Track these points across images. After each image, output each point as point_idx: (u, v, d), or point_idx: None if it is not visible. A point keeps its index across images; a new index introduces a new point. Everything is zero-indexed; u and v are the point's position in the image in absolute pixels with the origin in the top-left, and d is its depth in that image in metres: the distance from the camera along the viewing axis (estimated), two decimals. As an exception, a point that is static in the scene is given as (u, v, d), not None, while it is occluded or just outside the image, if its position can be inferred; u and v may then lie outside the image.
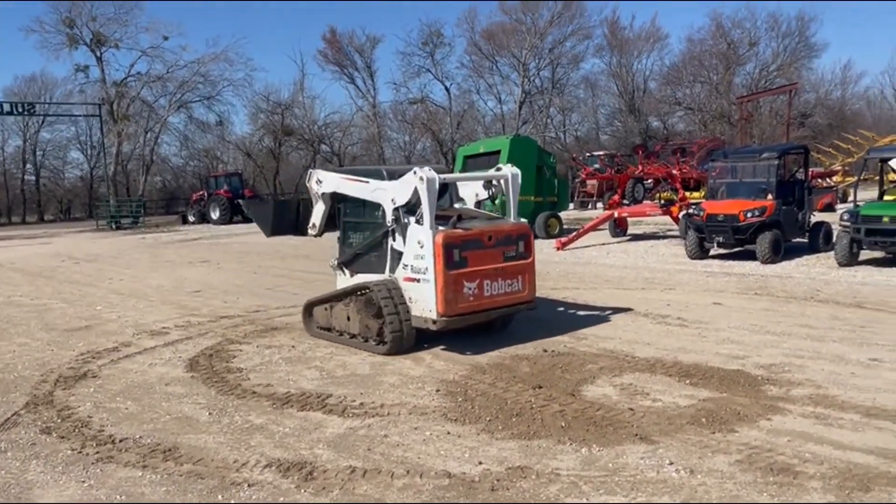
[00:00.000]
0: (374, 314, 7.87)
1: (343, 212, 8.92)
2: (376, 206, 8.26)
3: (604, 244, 19.26)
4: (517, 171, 8.49)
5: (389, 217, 7.97)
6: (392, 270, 8.04)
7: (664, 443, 5.20)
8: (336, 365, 7.68)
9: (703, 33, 55.67)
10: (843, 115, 53.97)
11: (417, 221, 7.65)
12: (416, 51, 55.87)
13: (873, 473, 4.54)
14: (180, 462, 5.21)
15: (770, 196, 14.60)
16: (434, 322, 7.49)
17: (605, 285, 12.17)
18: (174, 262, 19.45)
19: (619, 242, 19.66)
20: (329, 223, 9.32)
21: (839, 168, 33.17)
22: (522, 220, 8.54)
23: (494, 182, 8.58)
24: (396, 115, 58.39)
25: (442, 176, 7.79)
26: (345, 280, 8.81)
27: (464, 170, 20.72)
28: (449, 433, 5.56)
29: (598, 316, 9.73)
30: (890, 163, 15.70)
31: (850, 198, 16.41)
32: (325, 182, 8.98)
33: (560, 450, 5.17)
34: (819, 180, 28.30)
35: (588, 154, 40.25)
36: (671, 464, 4.82)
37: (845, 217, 13.38)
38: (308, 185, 9.19)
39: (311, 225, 9.45)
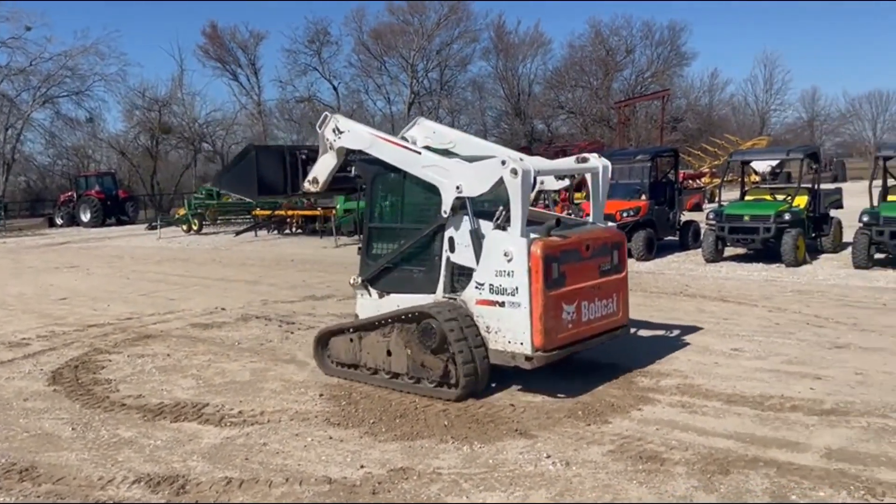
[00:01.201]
0: (433, 348, 6.10)
1: (370, 214, 7.10)
2: (422, 203, 6.60)
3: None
4: (607, 162, 7.05)
5: (447, 207, 6.22)
6: (449, 290, 6.36)
7: (542, 436, 5.33)
8: (214, 373, 7.39)
9: (583, 39, 57.82)
10: (710, 120, 57.52)
11: (500, 226, 6.04)
12: (302, 48, 54.85)
13: (732, 457, 4.84)
14: (38, 482, 4.84)
15: (644, 196, 15.35)
16: (528, 358, 5.84)
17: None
18: (38, 267, 18.14)
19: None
20: (332, 187, 7.66)
21: (707, 170, 35.35)
22: (610, 223, 7.31)
23: (542, 184, 7.09)
24: (283, 113, 57.10)
25: (538, 168, 6.22)
26: (372, 303, 6.91)
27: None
28: (331, 438, 5.47)
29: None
30: (751, 165, 16.87)
31: (716, 198, 17.50)
32: (346, 136, 7.07)
33: (442, 449, 5.19)
34: (689, 181, 30.05)
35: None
36: (548, 457, 4.95)
37: (711, 216, 14.27)
38: (321, 132, 7.25)
39: (310, 179, 7.56)
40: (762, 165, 23.52)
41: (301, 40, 55.34)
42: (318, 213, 23.99)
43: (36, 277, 15.98)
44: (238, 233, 25.15)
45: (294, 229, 25.14)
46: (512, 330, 5.92)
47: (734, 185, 22.30)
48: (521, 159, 6.05)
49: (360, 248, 7.23)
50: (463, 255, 6.24)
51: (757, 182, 21.83)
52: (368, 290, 6.98)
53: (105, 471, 4.99)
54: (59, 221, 36.60)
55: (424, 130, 7.62)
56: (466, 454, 5.08)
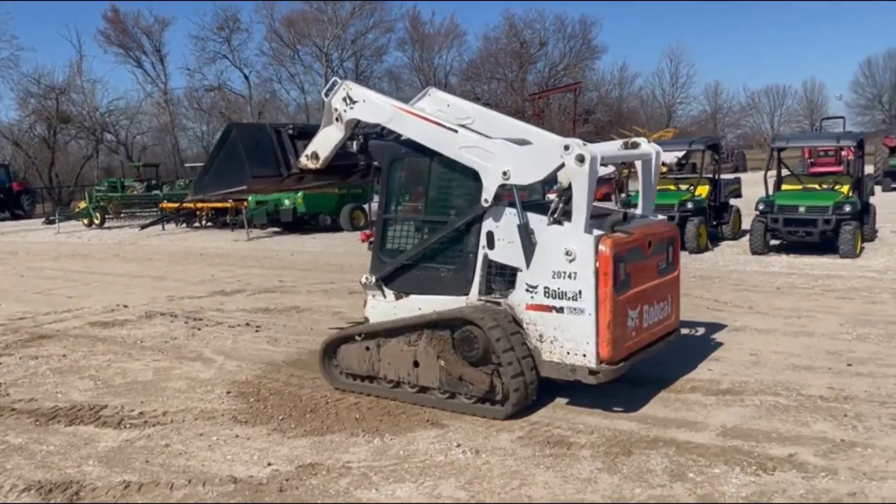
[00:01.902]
0: (474, 360, 5.40)
1: (386, 203, 6.16)
2: (453, 191, 5.85)
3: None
4: (660, 148, 6.41)
5: (490, 195, 5.44)
6: (485, 291, 5.65)
7: (453, 426, 5.36)
8: (114, 373, 7.08)
9: (498, 32, 58.48)
10: (620, 113, 59.31)
11: (557, 221, 5.32)
12: (210, 35, 53.21)
13: (635, 438, 4.99)
14: (-86, 497, 4.51)
15: (556, 186, 15.64)
16: (593, 372, 5.16)
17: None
18: (-78, 265, 16.90)
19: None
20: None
21: (617, 161, 36.38)
22: (661, 216, 6.62)
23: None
24: (192, 102, 55.28)
25: (601, 153, 5.40)
26: (386, 305, 6.09)
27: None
28: (237, 436, 5.32)
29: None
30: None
31: (625, 189, 18.03)
32: (360, 106, 6.18)
33: (353, 442, 5.14)
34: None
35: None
36: (459, 446, 4.98)
37: (619, 206, 14.69)
38: (328, 100, 6.37)
39: (309, 153, 6.71)
40: (669, 156, 24.39)
41: (209, 27, 53.75)
42: (228, 205, 23.35)
43: (-82, 276, 14.88)
44: (143, 226, 24.16)
45: (204, 222, 24.33)
46: (572, 339, 5.20)
47: (642, 176, 23.05)
48: (585, 144, 5.25)
49: (370, 243, 6.38)
50: (505, 253, 5.50)
51: (663, 172, 22.69)
52: (383, 291, 6.11)
53: (-10, 481, 4.69)
54: (-55, 216, 34.26)
55: (436, 103, 6.60)
56: (377, 447, 5.04)
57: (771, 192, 13.63)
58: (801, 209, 12.69)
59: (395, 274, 6.05)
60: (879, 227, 15.05)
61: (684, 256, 13.28)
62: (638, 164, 6.40)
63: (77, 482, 4.62)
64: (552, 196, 6.30)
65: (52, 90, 48.24)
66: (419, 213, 6.03)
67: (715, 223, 15.10)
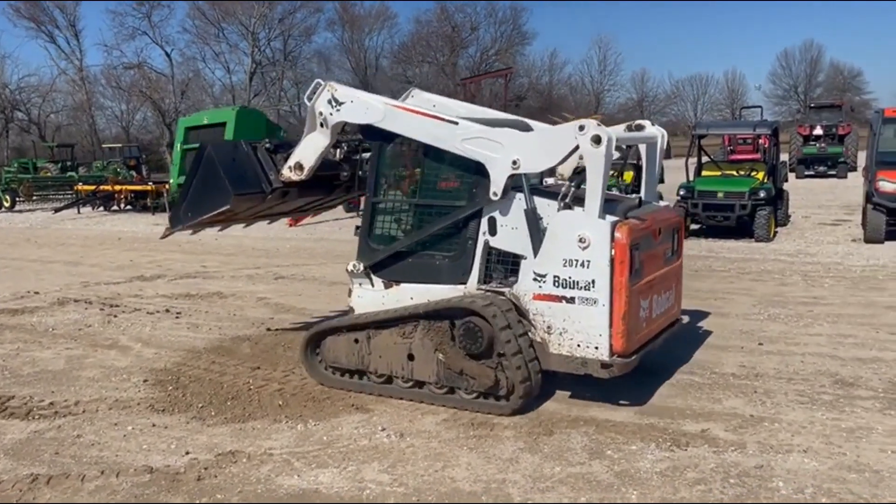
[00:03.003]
0: (477, 353, 5.11)
1: (375, 186, 5.80)
2: (449, 175, 5.55)
3: (337, 219, 19.32)
4: (664, 132, 6.27)
5: (499, 188, 5.11)
6: (484, 280, 5.36)
7: (379, 410, 5.34)
8: (23, 362, 6.74)
9: (429, 15, 58.24)
10: (551, 99, 60.13)
11: (568, 206, 5.06)
12: (129, 10, 51.06)
13: (556, 418, 5.09)
14: None
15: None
16: (605, 366, 4.90)
17: (335, 260, 12.22)
18: None
19: (353, 217, 19.86)
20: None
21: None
22: (663, 202, 6.46)
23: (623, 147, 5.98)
24: (110, 80, 52.93)
25: (619, 136, 5.20)
26: (375, 294, 5.75)
27: (185, 143, 19.43)
28: (154, 425, 5.16)
29: (325, 291, 9.72)
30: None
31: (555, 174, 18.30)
32: (348, 106, 5.74)
33: (275, 429, 5.06)
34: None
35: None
36: (383, 430, 4.96)
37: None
38: (312, 104, 5.90)
39: (292, 164, 6.11)
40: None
41: (128, 1, 51.45)
42: (149, 188, 22.58)
43: None
44: (57, 209, 23.07)
45: (123, 206, 23.45)
46: (584, 331, 4.94)
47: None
48: (600, 124, 4.94)
49: (357, 228, 6.01)
50: (508, 239, 5.22)
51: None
52: (371, 280, 5.78)
53: None
54: None
55: (422, 104, 6.31)
56: (300, 433, 4.98)
57: (692, 178, 14.07)
58: (720, 195, 13.16)
59: (385, 261, 5.73)
60: (792, 212, 15.78)
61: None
62: (642, 147, 6.27)
63: (-21, 477, 4.39)
64: (549, 181, 6.22)
65: (-43, 65, 45.43)
66: (413, 196, 5.69)
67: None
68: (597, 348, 4.91)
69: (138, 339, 7.44)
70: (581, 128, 4.83)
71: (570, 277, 4.94)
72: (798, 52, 67.70)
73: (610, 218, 4.91)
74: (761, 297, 8.65)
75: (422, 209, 5.60)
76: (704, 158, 15.13)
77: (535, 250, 5.06)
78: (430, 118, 5.41)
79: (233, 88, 54.56)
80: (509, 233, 5.20)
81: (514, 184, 5.16)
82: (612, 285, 4.83)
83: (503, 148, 5.08)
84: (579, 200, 4.98)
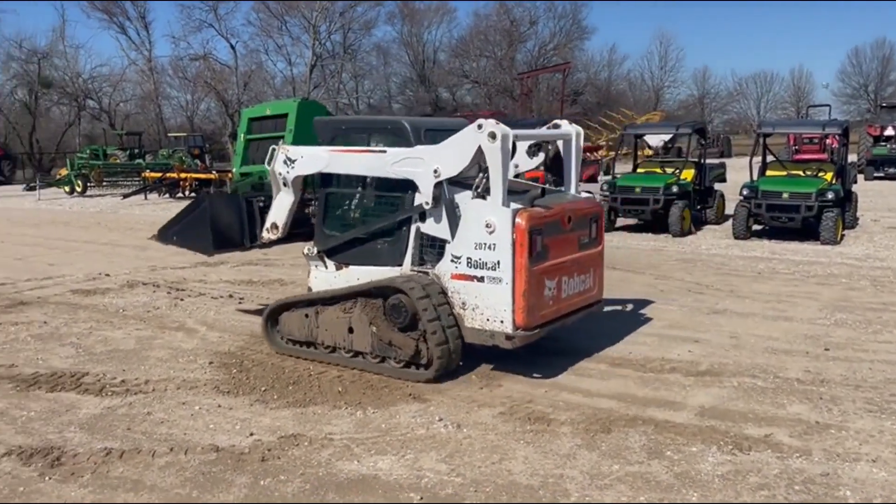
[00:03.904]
0: (402, 326, 5.71)
1: (328, 178, 6.50)
2: (392, 189, 6.09)
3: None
4: (580, 129, 6.78)
5: (428, 197, 5.73)
6: (417, 262, 5.95)
7: (436, 400, 5.39)
8: (96, 341, 7.04)
9: (488, 9, 58.10)
10: (609, 95, 59.31)
11: (480, 195, 5.60)
12: (197, 3, 52.29)
13: (615, 416, 5.06)
14: None
15: (542, 168, 15.65)
16: (508, 338, 5.52)
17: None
18: None
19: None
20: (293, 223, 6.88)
21: (604, 143, 36.47)
22: (587, 193, 7.01)
23: (549, 145, 6.74)
24: (176, 71, 54.33)
25: (514, 132, 5.74)
26: (329, 275, 6.42)
27: (248, 133, 19.84)
28: (220, 406, 5.33)
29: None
30: (644, 139, 17.52)
31: (611, 170, 18.08)
32: (300, 162, 6.42)
33: (335, 414, 5.17)
34: (586, 154, 30.91)
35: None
36: (440, 420, 5.02)
37: (605, 188, 14.74)
38: (271, 168, 6.58)
39: (268, 226, 6.87)
40: (654, 139, 24.44)
41: (196, -5, 52.69)
42: (212, 176, 23.17)
43: None
44: (126, 195, 23.90)
45: (187, 193, 24.14)
46: (492, 307, 5.54)
47: (629, 159, 23.11)
48: (497, 123, 5.53)
49: (313, 215, 6.64)
50: (435, 226, 5.80)
51: (649, 155, 22.75)
52: (324, 262, 6.44)
53: (-30, 445, 4.68)
54: (-78, 180, 33.72)
55: None
56: (359, 419, 5.07)
57: (755, 177, 13.72)
58: (785, 195, 12.80)
59: (336, 247, 6.35)
60: (861, 215, 15.24)
61: (667, 239, 13.41)
62: (560, 143, 6.67)
63: (58, 448, 4.61)
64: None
65: (35, 54, 47.34)
66: (358, 187, 6.31)
67: (699, 207, 15.20)
68: (502, 322, 5.52)
69: (203, 323, 7.68)
70: (479, 126, 5.45)
71: (479, 259, 5.57)
72: (869, 50, 65.12)
73: (514, 206, 5.48)
74: (827, 301, 8.40)
75: (366, 199, 6.29)
76: (769, 158, 14.74)
77: (453, 235, 5.70)
78: (363, 153, 6.09)
79: (293, 80, 55.45)
80: (435, 220, 5.80)
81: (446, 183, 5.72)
82: (514, 266, 5.43)
83: (424, 162, 5.71)
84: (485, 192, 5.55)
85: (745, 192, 13.19)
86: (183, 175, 23.96)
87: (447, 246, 5.74)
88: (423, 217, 5.85)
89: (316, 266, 6.50)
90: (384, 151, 5.96)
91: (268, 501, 3.96)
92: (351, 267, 6.29)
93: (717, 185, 16.02)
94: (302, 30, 53.91)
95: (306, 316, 6.31)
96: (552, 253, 5.74)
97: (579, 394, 5.51)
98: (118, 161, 29.81)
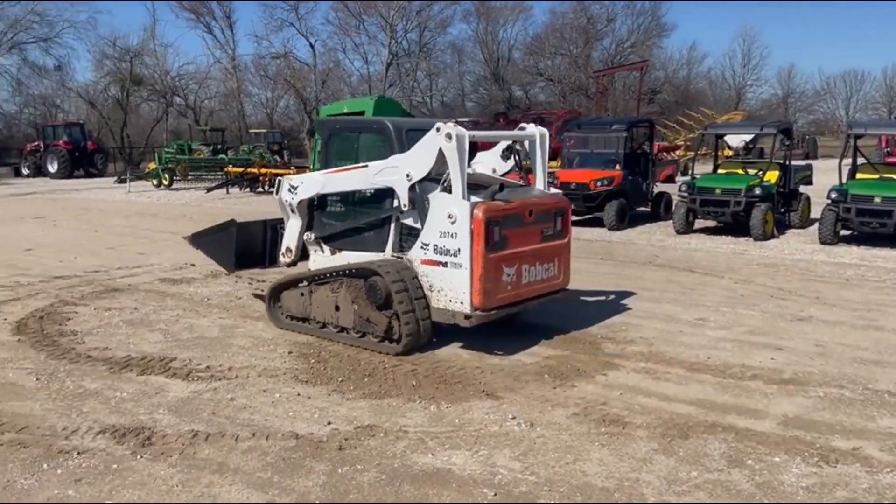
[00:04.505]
0: (378, 304, 6.34)
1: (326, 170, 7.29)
2: (375, 159, 6.75)
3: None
4: (545, 130, 7.25)
5: (405, 199, 6.38)
6: (398, 249, 6.61)
7: (509, 398, 5.41)
8: (182, 328, 7.35)
9: (565, 6, 57.46)
10: (687, 94, 57.71)
11: (445, 189, 6.21)
12: (279, 3, 53.68)
13: (693, 422, 4.96)
14: (1, 430, 4.80)
15: (618, 167, 15.42)
16: (467, 317, 6.12)
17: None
18: (3, 217, 17.76)
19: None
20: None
21: (682, 143, 35.56)
22: (556, 190, 7.54)
23: (518, 146, 7.24)
24: (258, 69, 55.85)
25: (471, 133, 6.30)
26: (324, 258, 7.18)
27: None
28: (299, 395, 5.49)
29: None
30: (725, 139, 17.02)
31: (689, 170, 17.64)
32: (301, 188, 7.16)
33: (409, 407, 5.24)
34: (664, 153, 30.23)
35: (453, 120, 40.59)
36: (514, 418, 5.02)
37: (683, 188, 14.38)
38: (279, 197, 7.35)
39: (283, 251, 7.54)
40: (735, 140, 23.71)
41: (279, -6, 54.06)
42: (291, 171, 23.75)
43: (0, 228, 15.64)
44: (209, 189, 24.79)
45: (267, 187, 24.83)
46: (453, 290, 6.17)
47: (708, 159, 22.48)
48: (456, 124, 6.21)
49: (314, 205, 7.30)
50: (411, 217, 6.47)
51: (730, 156, 22.07)
52: (322, 248, 7.20)
53: (69, 421, 4.96)
54: (25, 171, 35.83)
55: None
56: (433, 413, 5.13)
57: (845, 180, 13.14)
58: (877, 199, 12.21)
59: (332, 235, 7.13)
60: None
61: (748, 243, 13.00)
62: (528, 145, 7.18)
63: (149, 428, 4.84)
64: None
65: (127, 53, 49.56)
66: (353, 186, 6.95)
67: (783, 210, 14.67)
68: (461, 303, 6.13)
69: (265, 309, 7.89)
70: (437, 129, 6.09)
71: (444, 246, 6.19)
72: (972, 47, 61.12)
73: (474, 199, 6.09)
74: (922, 312, 7.98)
75: (356, 192, 6.98)
76: (860, 160, 14.08)
77: (423, 224, 6.32)
78: (349, 171, 6.83)
79: (369, 78, 56.23)
80: (412, 211, 6.42)
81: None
82: (472, 253, 6.02)
83: (398, 169, 6.38)
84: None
85: (833, 196, 12.64)
86: (263, 170, 24.64)
87: (420, 234, 6.38)
88: (401, 209, 6.51)
89: (315, 251, 7.26)
90: (366, 166, 6.66)
91: (346, 489, 4.06)
92: (343, 252, 7.04)
93: (802, 188, 15.41)
94: (379, 28, 54.61)
95: (302, 294, 7.05)
96: (512, 243, 6.31)
97: (655, 398, 5.42)
98: (202, 156, 30.87)
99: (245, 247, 7.88)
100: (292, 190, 7.23)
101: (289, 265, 7.64)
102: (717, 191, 13.84)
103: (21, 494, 3.98)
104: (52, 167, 33.95)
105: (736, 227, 13.95)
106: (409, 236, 6.53)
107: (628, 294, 8.89)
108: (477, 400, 5.38)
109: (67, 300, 8.53)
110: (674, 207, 15.05)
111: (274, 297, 7.37)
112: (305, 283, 7.10)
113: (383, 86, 52.54)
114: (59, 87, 51.01)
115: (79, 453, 4.47)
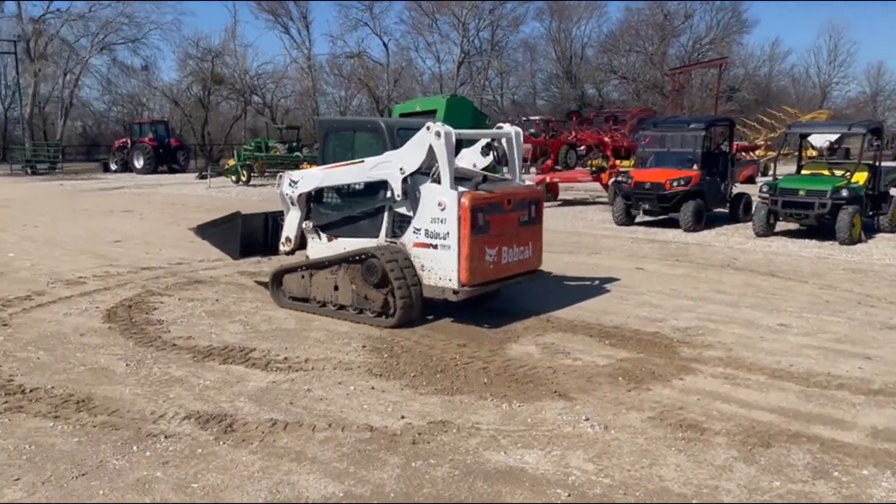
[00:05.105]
0: (375, 283, 7.16)
1: (324, 165, 7.99)
2: (371, 155, 7.47)
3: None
4: (519, 129, 7.97)
5: (398, 191, 7.14)
6: (390, 235, 7.39)
7: (581, 399, 5.36)
8: (261, 319, 7.57)
9: (640, 3, 56.25)
10: (769, 92, 55.76)
11: (435, 180, 6.99)
12: (354, 3, 54.58)
13: (775, 431, 4.80)
14: (94, 413, 5.06)
15: (695, 166, 15.03)
16: (455, 292, 6.92)
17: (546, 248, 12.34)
18: (93, 210, 18.68)
19: (549, 207, 19.90)
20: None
21: (762, 142, 34.38)
22: (529, 181, 8.08)
23: (496, 143, 7.85)
24: (332, 68, 57.02)
25: (457, 131, 7.02)
26: (322, 245, 7.89)
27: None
28: (373, 388, 5.58)
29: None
30: (809, 139, 16.36)
31: (771, 171, 17.04)
32: (301, 182, 7.92)
33: (481, 405, 5.26)
34: (743, 153, 29.29)
35: (524, 118, 40.40)
36: (587, 419, 4.98)
37: (764, 189, 13.91)
38: (278, 190, 8.12)
39: (283, 240, 8.26)
40: (820, 140, 22.71)
41: (354, -5, 54.88)
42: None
43: (91, 220, 16.46)
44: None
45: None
46: (442, 268, 6.98)
47: (790, 159, 21.66)
48: (443, 124, 6.92)
49: (311, 196, 7.98)
50: (404, 206, 7.24)
51: (814, 156, 21.17)
52: (319, 235, 7.88)
53: (157, 406, 5.19)
54: (113, 167, 37.51)
55: None
56: (505, 412, 5.14)
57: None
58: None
59: (329, 223, 7.83)
60: None
61: (834, 247, 12.48)
62: (503, 141, 7.80)
63: (230, 416, 5.02)
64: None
65: (209, 53, 51.33)
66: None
67: (871, 213, 14.02)
68: (450, 280, 6.94)
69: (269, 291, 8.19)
70: (427, 128, 6.88)
71: (434, 230, 6.98)
72: None
73: (461, 189, 6.90)
74: None
75: (352, 184, 7.70)
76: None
77: (414, 212, 7.09)
78: (347, 166, 7.56)
79: (441, 77, 56.55)
80: (404, 201, 7.19)
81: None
82: (459, 236, 6.83)
83: (392, 164, 7.16)
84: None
85: None
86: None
87: (412, 221, 7.15)
88: (394, 199, 7.25)
89: (312, 238, 7.96)
90: (363, 162, 7.39)
91: (419, 482, 4.11)
92: (339, 239, 7.75)
93: (893, 191, 14.68)
94: (451, 27, 54.87)
95: (302, 277, 7.81)
96: (493, 227, 7.08)
97: (735, 404, 5.27)
98: (278, 153, 31.69)
99: (248, 236, 8.59)
100: (293, 184, 7.95)
101: (288, 253, 8.38)
102: (801, 192, 13.33)
103: (113, 474, 4.19)
104: (138, 163, 35.46)
105: (820, 230, 13.41)
106: (401, 223, 7.28)
107: (705, 298, 8.67)
108: (549, 400, 5.35)
109: (153, 290, 8.92)
110: (754, 209, 14.58)
111: (277, 280, 8.09)
112: (304, 268, 7.84)
113: (455, 84, 52.75)
114: (146, 87, 53.28)
115: (166, 437, 4.67)
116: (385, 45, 55.72)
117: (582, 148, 30.52)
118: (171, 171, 36.17)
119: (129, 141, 37.36)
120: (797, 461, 4.34)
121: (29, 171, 36.12)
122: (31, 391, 5.46)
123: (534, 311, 7.90)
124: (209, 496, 3.95)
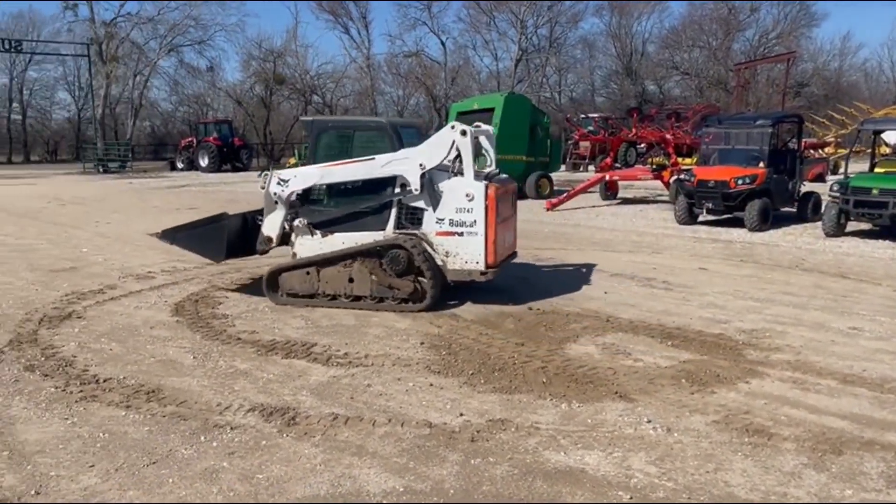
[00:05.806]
0: (399, 271, 7.65)
1: (313, 164, 8.14)
2: (377, 151, 7.84)
3: (594, 206, 19.26)
4: (489, 127, 8.54)
5: (416, 185, 7.58)
6: (398, 227, 7.80)
7: (643, 401, 5.27)
8: (321, 315, 7.70)
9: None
10: (839, 87, 53.70)
11: (457, 174, 7.65)
12: (412, 2, 54.93)
13: (846, 438, 4.63)
14: (164, 403, 5.24)
15: (762, 164, 14.60)
16: (482, 273, 7.65)
17: (592, 247, 12.20)
18: (161, 207, 19.31)
19: (608, 205, 19.66)
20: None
21: (832, 139, 33.16)
22: (504, 175, 8.78)
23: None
24: (390, 68, 57.56)
25: (474, 130, 7.75)
26: (314, 242, 8.02)
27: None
28: (431, 385, 5.61)
29: (584, 277, 9.77)
30: (882, 135, 15.71)
31: (841, 169, 16.42)
32: (293, 181, 7.96)
33: (540, 404, 5.23)
34: (811, 151, 28.31)
35: (583, 116, 39.97)
36: (649, 421, 4.89)
37: (835, 188, 13.42)
38: (266, 190, 8.05)
39: (261, 240, 8.29)
40: (894, 137, 21.79)
41: (414, -4, 55.27)
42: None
43: (160, 216, 17.00)
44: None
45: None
46: (469, 253, 7.63)
47: (862, 157, 20.84)
48: (453, 126, 7.56)
49: (299, 195, 8.08)
50: (416, 200, 7.71)
51: (888, 154, 20.32)
52: (312, 232, 8.02)
53: (223, 398, 5.34)
54: (179, 165, 38.75)
55: None
56: (565, 412, 5.10)
57: None
58: None
59: (326, 221, 8.02)
60: None
61: (910, 248, 11.94)
62: (482, 139, 8.32)
63: (293, 409, 5.12)
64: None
65: (271, 54, 52.47)
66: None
67: (951, 213, 13.33)
68: (477, 263, 7.64)
69: (264, 290, 8.28)
70: (453, 127, 7.53)
71: (460, 219, 7.62)
72: None
73: (483, 181, 7.62)
74: None
75: (353, 181, 7.95)
76: None
77: (435, 205, 7.65)
78: (354, 163, 7.78)
79: (498, 75, 56.41)
80: (421, 194, 7.67)
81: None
82: (487, 223, 7.56)
83: (410, 160, 7.61)
84: (461, 172, 7.65)
85: None
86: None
87: (426, 213, 7.69)
88: (404, 192, 7.69)
89: (302, 235, 8.06)
90: (373, 159, 7.71)
91: (479, 480, 4.11)
92: (336, 234, 7.95)
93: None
94: (509, 25, 54.68)
95: (307, 273, 7.96)
96: (503, 214, 7.89)
97: (804, 409, 5.10)
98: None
99: (232, 239, 8.52)
100: (282, 183, 7.98)
101: (264, 253, 8.53)
102: (875, 191, 12.80)
103: (182, 463, 4.33)
104: (203, 162, 36.51)
105: (894, 230, 12.85)
106: (410, 216, 7.78)
107: (772, 299, 8.42)
108: (609, 401, 5.29)
109: (219, 285, 9.16)
110: (823, 208, 14.08)
111: (272, 281, 8.17)
112: (310, 265, 7.99)
113: (512, 82, 52.53)
114: (210, 87, 54.84)
115: (232, 428, 4.79)
116: (443, 43, 55.94)
117: (642, 145, 30.06)
118: (235, 169, 37.10)
119: (194, 140, 38.53)
120: (870, 469, 4.18)
121: (101, 169, 37.61)
122: (104, 381, 5.69)
123: (592, 311, 7.81)
124: (273, 487, 4.05)
